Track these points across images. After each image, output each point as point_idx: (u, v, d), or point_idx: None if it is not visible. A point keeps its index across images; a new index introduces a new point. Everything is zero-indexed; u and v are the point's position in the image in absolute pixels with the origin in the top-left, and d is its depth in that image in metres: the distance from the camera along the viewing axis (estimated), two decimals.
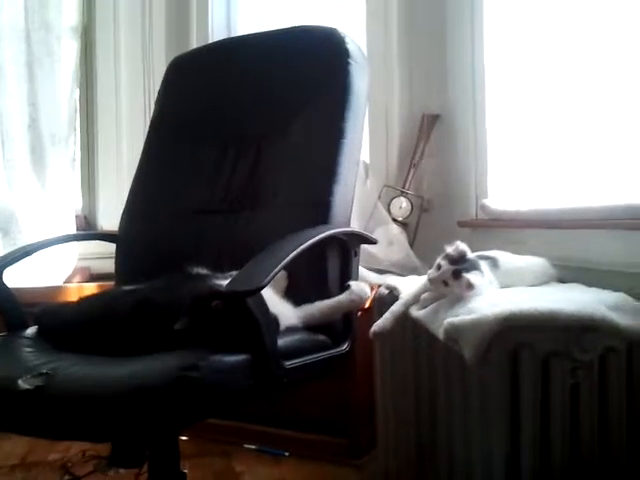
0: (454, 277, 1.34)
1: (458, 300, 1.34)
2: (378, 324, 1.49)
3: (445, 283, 1.37)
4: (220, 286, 1.08)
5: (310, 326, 1.27)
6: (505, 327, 1.19)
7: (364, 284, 1.29)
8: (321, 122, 1.43)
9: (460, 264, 1.35)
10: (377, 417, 1.80)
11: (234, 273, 1.09)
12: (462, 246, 1.38)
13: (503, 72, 2.20)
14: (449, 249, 1.37)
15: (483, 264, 1.49)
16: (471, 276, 1.33)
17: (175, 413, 0.97)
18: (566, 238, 1.77)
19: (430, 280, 1.41)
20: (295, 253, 1.11)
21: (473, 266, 1.37)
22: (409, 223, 2.35)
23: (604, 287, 1.47)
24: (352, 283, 1.28)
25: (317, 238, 1.20)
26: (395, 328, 1.66)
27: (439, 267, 1.37)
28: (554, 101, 2.04)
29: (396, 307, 1.51)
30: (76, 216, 2.76)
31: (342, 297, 1.27)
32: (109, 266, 1.67)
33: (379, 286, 1.78)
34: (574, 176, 1.98)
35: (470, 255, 1.38)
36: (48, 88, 2.60)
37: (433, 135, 2.35)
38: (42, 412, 0.99)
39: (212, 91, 1.64)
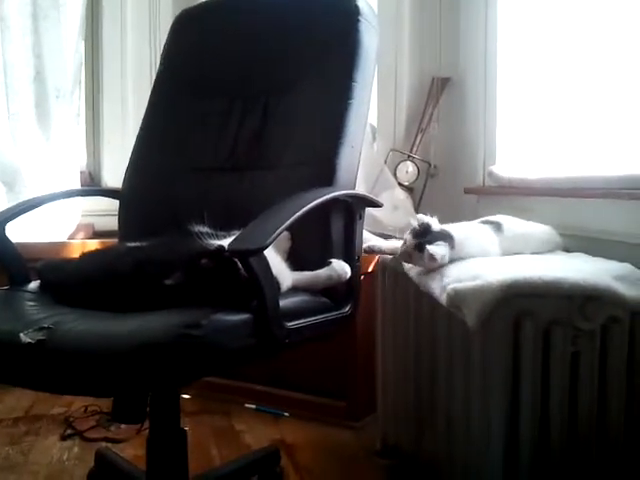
0: (417, 250, 1.37)
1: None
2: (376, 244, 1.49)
3: (409, 256, 1.38)
4: (212, 245, 1.07)
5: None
6: (509, 294, 1.18)
7: (346, 265, 1.28)
8: (329, 81, 1.40)
9: (423, 237, 1.37)
10: (377, 381, 1.82)
11: (237, 232, 1.08)
12: (426, 219, 1.40)
13: (515, 36, 2.16)
14: (413, 222, 1.38)
15: (484, 229, 1.50)
16: (433, 247, 1.33)
17: (176, 370, 0.97)
18: (573, 207, 1.76)
19: (398, 255, 1.44)
20: (299, 214, 1.10)
21: (436, 238, 1.38)
22: (415, 188, 2.33)
23: (609, 257, 1.47)
24: (333, 260, 1.27)
25: (321, 199, 1.19)
26: (398, 293, 1.67)
27: (405, 242, 1.39)
28: (564, 68, 2.00)
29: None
30: (81, 172, 2.75)
31: (321, 271, 1.27)
32: (113, 223, 1.67)
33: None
34: (582, 145, 1.95)
35: (435, 227, 1.38)
36: (53, 40, 2.56)
37: (443, 99, 2.32)
38: (44, 366, 0.99)
39: (219, 46, 1.61)
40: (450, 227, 1.43)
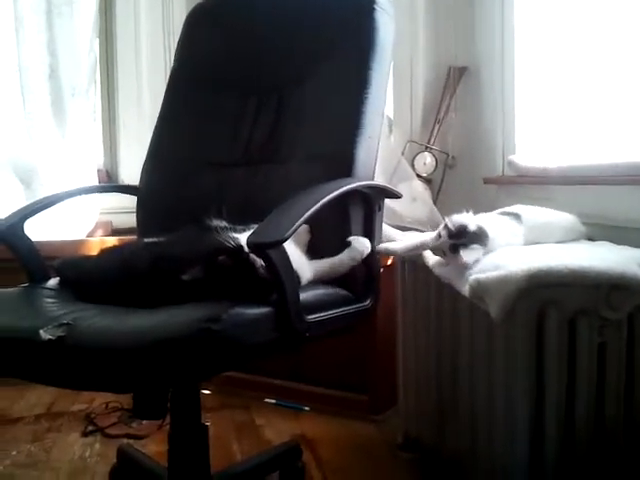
0: (451, 251, 1.34)
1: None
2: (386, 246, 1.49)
3: (443, 253, 1.37)
4: (230, 241, 1.06)
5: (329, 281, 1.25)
6: (533, 284, 1.16)
7: (364, 239, 1.27)
8: (345, 71, 1.38)
9: (458, 239, 1.34)
10: (398, 374, 1.80)
11: (255, 226, 1.07)
12: (461, 220, 1.36)
13: (532, 23, 2.12)
14: (449, 222, 1.35)
15: (506, 220, 1.47)
16: (466, 253, 1.31)
17: (196, 364, 0.96)
18: (595, 195, 1.73)
19: (430, 248, 1.41)
20: (318, 206, 1.08)
21: (472, 240, 1.34)
22: (433, 179, 2.31)
23: (635, 245, 1.43)
24: (352, 238, 1.27)
25: (340, 191, 1.17)
26: (418, 285, 1.65)
27: (439, 236, 1.37)
28: (584, 54, 1.97)
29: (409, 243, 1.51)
30: (98, 170, 2.76)
31: (343, 255, 1.26)
32: (131, 220, 1.67)
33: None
34: (603, 131, 1.91)
35: (472, 227, 1.35)
36: (67, 38, 2.56)
37: (460, 89, 2.29)
38: (63, 362, 0.99)
39: (233, 40, 1.59)
40: (481, 221, 1.40)
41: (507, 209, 1.53)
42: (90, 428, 2.01)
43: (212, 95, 1.58)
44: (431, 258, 1.49)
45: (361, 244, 1.27)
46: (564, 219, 1.56)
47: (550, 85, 2.10)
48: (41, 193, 2.45)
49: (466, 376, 1.43)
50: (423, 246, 1.47)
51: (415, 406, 1.73)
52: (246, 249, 1.02)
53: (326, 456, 1.80)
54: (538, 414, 1.20)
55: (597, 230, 1.60)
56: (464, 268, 1.32)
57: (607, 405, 1.20)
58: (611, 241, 1.51)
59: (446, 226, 1.36)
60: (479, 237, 1.35)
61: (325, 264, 1.26)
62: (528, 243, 1.45)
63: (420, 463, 1.73)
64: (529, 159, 2.03)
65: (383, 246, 1.44)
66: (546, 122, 2.13)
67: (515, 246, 1.42)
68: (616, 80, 1.87)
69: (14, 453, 1.84)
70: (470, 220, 1.37)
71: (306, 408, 2.14)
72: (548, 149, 2.09)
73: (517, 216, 1.49)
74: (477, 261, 1.32)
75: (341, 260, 1.26)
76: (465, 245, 1.33)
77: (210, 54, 1.64)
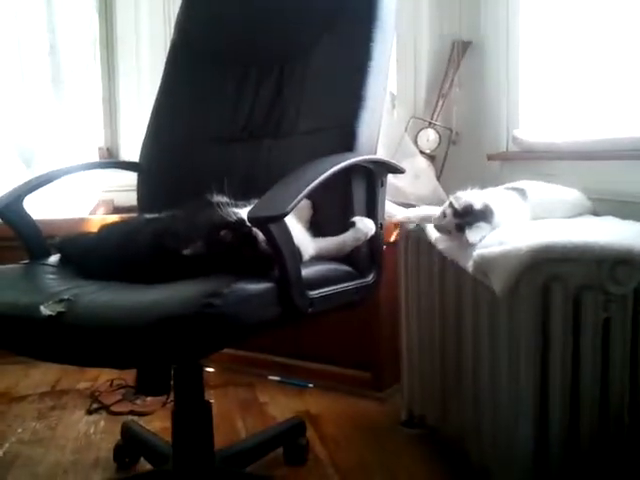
0: (457, 230, 1.34)
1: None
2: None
3: (449, 232, 1.37)
4: (231, 215, 1.05)
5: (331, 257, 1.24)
6: (537, 259, 1.14)
7: (368, 220, 1.26)
8: (347, 44, 1.36)
9: (464, 218, 1.33)
10: (401, 350, 1.80)
11: (256, 201, 1.06)
12: (467, 199, 1.35)
13: None
14: (454, 201, 1.34)
15: (512, 196, 1.45)
16: (472, 233, 1.31)
17: (198, 339, 0.95)
18: (600, 170, 1.71)
19: (435, 227, 1.41)
20: (320, 179, 1.07)
21: (477, 218, 1.33)
22: (437, 156, 2.29)
23: None
24: (356, 219, 1.25)
25: (343, 164, 1.16)
26: (421, 260, 1.64)
27: (444, 215, 1.37)
28: (589, 26, 1.93)
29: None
30: (99, 148, 2.74)
31: (347, 235, 1.24)
32: (132, 198, 1.66)
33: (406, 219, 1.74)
34: (608, 106, 1.89)
35: (477, 206, 1.34)
36: (66, 14, 2.53)
37: (463, 64, 2.26)
38: (64, 338, 0.98)
39: (233, 13, 1.57)
40: (487, 198, 1.38)
41: (512, 184, 1.52)
42: (95, 405, 2.02)
43: (212, 68, 1.56)
44: (434, 233, 1.48)
45: (365, 225, 1.25)
46: (569, 194, 1.54)
47: (554, 60, 2.07)
48: (41, 171, 2.44)
49: (470, 353, 1.43)
50: (428, 219, 1.47)
51: (418, 383, 1.73)
52: (248, 224, 1.00)
53: (330, 433, 1.80)
54: (542, 391, 1.20)
55: (602, 205, 1.58)
56: (469, 246, 1.31)
57: (612, 381, 1.19)
58: (616, 216, 1.50)
59: (451, 205, 1.35)
60: (485, 215, 1.34)
61: (328, 243, 1.25)
62: (533, 219, 1.43)
63: (423, 440, 1.73)
64: (533, 134, 2.01)
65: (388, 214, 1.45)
66: (551, 97, 2.10)
67: (520, 221, 1.41)
68: (622, 54, 1.84)
69: (19, 431, 1.85)
70: (476, 198, 1.35)
71: (310, 385, 2.14)
72: (553, 124, 2.06)
73: (522, 192, 1.47)
74: (483, 238, 1.31)
75: (344, 240, 1.24)
76: (470, 224, 1.32)
77: (210, 25, 1.61)
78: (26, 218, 1.37)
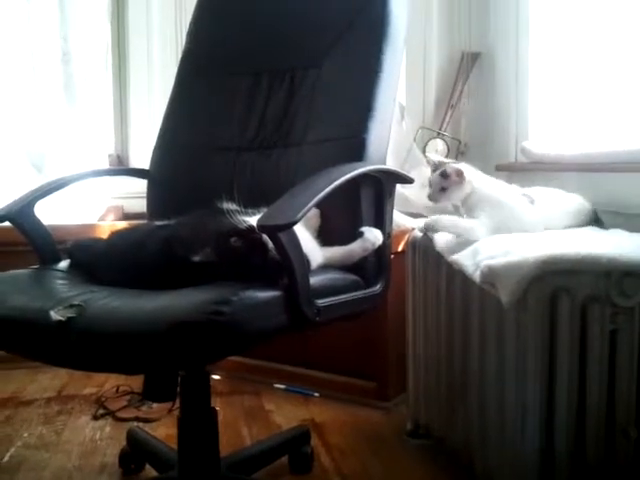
0: (440, 191, 1.49)
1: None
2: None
3: (436, 199, 1.51)
4: (241, 223, 1.06)
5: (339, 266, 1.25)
6: (545, 270, 1.15)
7: (377, 230, 1.26)
8: (357, 54, 1.37)
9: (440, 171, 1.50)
10: (407, 361, 1.80)
11: (265, 209, 1.06)
12: (433, 156, 1.59)
13: (547, 8, 2.09)
14: (429, 159, 1.58)
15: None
16: (453, 166, 1.47)
17: (206, 347, 0.96)
18: (609, 183, 1.71)
19: (429, 197, 1.53)
20: (329, 189, 1.07)
21: (454, 182, 1.48)
22: None
23: None
24: (364, 229, 1.26)
25: (352, 174, 1.16)
26: (429, 270, 1.64)
27: (430, 183, 1.52)
28: (598, 40, 1.94)
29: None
30: (109, 155, 2.76)
31: (355, 245, 1.25)
32: (142, 205, 1.67)
33: (413, 229, 1.76)
34: (617, 119, 1.89)
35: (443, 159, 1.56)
36: (79, 22, 2.56)
37: (473, 75, 2.27)
38: (74, 343, 0.99)
39: (245, 22, 1.59)
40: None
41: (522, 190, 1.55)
42: (101, 411, 2.03)
43: (224, 77, 1.57)
44: (441, 242, 1.49)
45: (373, 235, 1.25)
46: (571, 202, 1.56)
47: (564, 71, 2.07)
48: (52, 177, 2.46)
49: (476, 363, 1.42)
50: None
51: (424, 393, 1.72)
52: (257, 231, 1.01)
53: (335, 441, 1.80)
54: (549, 402, 1.20)
55: (611, 217, 1.58)
56: (464, 181, 1.46)
57: (618, 393, 1.19)
58: (625, 228, 1.50)
59: (429, 162, 1.55)
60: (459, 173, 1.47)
61: (336, 252, 1.25)
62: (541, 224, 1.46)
63: (429, 450, 1.72)
64: (542, 146, 2.02)
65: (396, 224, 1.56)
66: (560, 108, 2.11)
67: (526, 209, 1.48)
68: (631, 65, 1.85)
69: (26, 435, 1.86)
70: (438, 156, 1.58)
71: (315, 394, 2.14)
72: (562, 136, 2.07)
73: (529, 198, 1.50)
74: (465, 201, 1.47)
75: (352, 249, 1.25)
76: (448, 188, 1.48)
77: (222, 35, 1.63)
78: (37, 223, 1.38)
